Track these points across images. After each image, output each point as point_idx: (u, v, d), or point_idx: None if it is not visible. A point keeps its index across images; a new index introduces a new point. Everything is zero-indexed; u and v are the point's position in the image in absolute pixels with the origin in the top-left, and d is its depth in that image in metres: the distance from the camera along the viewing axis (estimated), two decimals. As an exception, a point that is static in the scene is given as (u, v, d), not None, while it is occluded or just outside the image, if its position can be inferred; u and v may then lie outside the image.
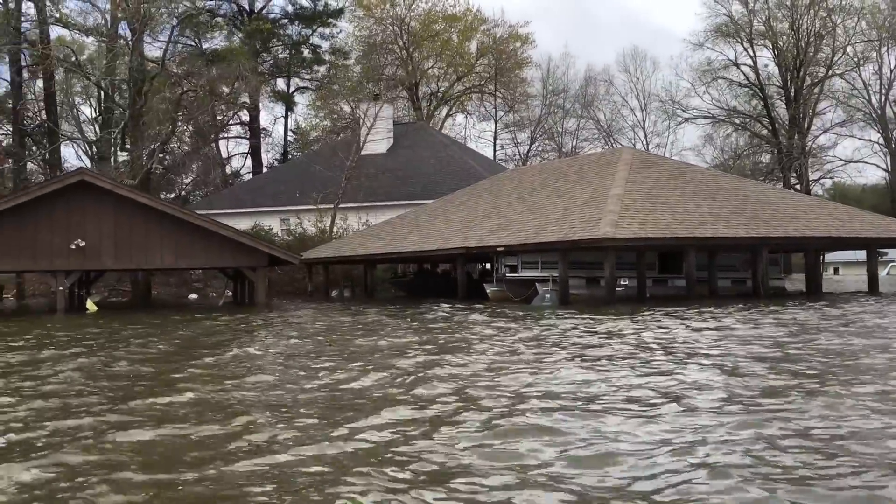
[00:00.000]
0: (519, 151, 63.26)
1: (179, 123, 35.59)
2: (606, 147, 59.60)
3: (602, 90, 64.06)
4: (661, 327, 12.64)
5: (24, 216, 22.26)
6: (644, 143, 62.91)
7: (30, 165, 42.61)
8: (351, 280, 34.86)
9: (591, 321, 14.20)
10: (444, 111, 61.13)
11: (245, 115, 54.65)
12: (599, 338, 11.31)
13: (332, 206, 38.28)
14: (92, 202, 22.83)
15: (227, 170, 53.67)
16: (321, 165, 40.42)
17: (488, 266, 31.93)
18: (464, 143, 55.48)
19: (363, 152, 40.39)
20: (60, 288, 22.69)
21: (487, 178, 33.80)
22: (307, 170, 43.15)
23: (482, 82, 59.50)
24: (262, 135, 55.56)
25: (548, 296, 21.29)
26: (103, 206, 22.96)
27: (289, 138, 58.24)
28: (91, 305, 23.60)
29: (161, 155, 34.19)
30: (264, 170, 53.69)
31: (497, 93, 59.47)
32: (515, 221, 24.21)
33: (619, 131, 64.13)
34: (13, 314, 23.80)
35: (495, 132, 61.75)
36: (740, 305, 17.47)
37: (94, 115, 45.41)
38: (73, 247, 22.60)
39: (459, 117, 64.49)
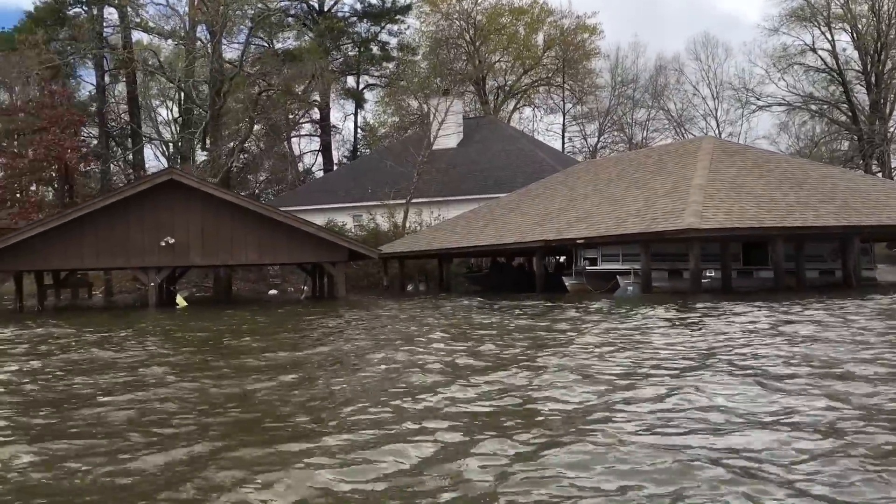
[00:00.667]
0: (587, 143, 62.68)
1: (255, 123, 36.33)
2: (677, 137, 58.58)
3: (672, 79, 62.94)
4: (812, 321, 11.77)
5: (116, 215, 23.08)
6: (716, 132, 61.55)
7: (112, 167, 44.11)
8: (425, 274, 35.10)
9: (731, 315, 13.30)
10: (511, 105, 60.96)
11: (316, 113, 55.55)
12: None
13: (404, 201, 38.59)
14: (180, 200, 23.53)
15: (299, 167, 54.58)
16: (392, 161, 40.75)
17: (562, 259, 31.79)
18: (533, 137, 55.20)
19: (434, 147, 40.60)
20: (152, 284, 23.46)
21: (561, 171, 33.59)
22: (378, 166, 43.56)
23: (549, 74, 59.11)
24: (332, 132, 56.34)
25: (630, 288, 21.07)
26: (191, 205, 23.63)
27: (358, 135, 58.90)
28: (181, 301, 24.33)
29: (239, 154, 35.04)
30: (335, 167, 54.46)
31: (565, 85, 58.99)
32: (594, 214, 24.02)
33: (690, 121, 62.95)
34: (110, 309, 24.70)
35: (563, 125, 61.33)
36: (854, 298, 16.60)
37: (173, 116, 46.76)
38: (163, 244, 23.34)
39: (527, 111, 64.23)
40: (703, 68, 62.70)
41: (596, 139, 62.14)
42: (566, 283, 24.28)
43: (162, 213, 23.45)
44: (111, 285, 35.28)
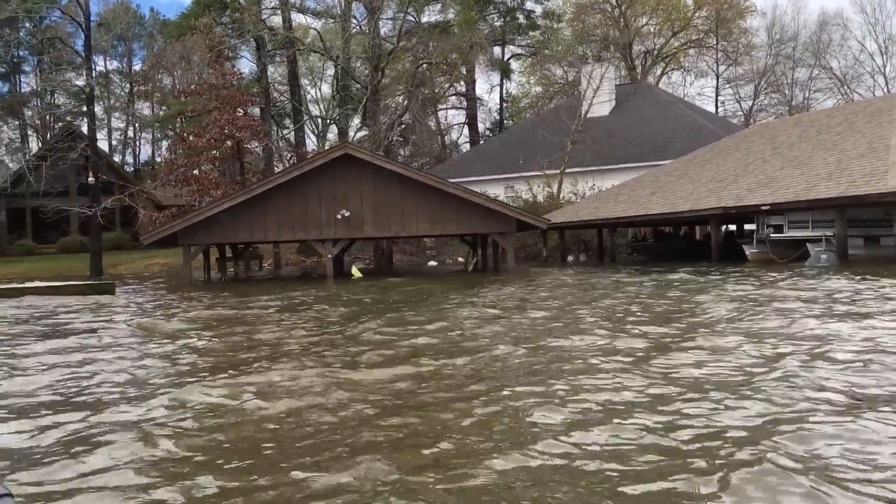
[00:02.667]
0: (742, 107, 59.73)
1: (410, 97, 36.77)
2: (842, 98, 54.81)
3: (836, 35, 58.80)
4: None
5: (296, 190, 23.96)
6: (885, 90, 57.13)
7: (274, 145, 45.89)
8: (584, 244, 34.61)
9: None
10: (659, 70, 58.87)
11: (461, 86, 55.66)
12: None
13: (558, 171, 38.13)
14: (353, 174, 24.13)
15: (446, 140, 54.99)
16: (545, 131, 40.29)
17: (732, 228, 30.46)
18: (690, 102, 53.06)
19: (587, 115, 39.81)
20: (329, 256, 24.27)
21: (730, 136, 32.14)
22: (528, 136, 43.22)
23: (700, 36, 56.58)
24: (478, 103, 56.33)
25: (823, 256, 19.85)
26: (363, 178, 24.20)
27: (504, 106, 58.64)
28: (356, 272, 25.06)
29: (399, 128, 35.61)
30: (481, 139, 54.49)
31: (717, 46, 56.34)
32: (777, 178, 22.78)
33: (856, 79, 58.67)
34: (295, 280, 25.74)
35: (717, 88, 58.69)
36: None
37: (331, 93, 48.08)
38: (339, 217, 24.05)
39: (675, 75, 61.85)
40: (870, 22, 58.41)
41: (751, 102, 59.10)
42: (746, 252, 23.22)
43: (337, 186, 24.15)
44: (279, 258, 36.85)
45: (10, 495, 1.89)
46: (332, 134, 41.53)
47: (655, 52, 57.38)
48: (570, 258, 32.73)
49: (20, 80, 62.44)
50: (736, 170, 25.58)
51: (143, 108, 66.29)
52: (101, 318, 12.48)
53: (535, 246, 34.80)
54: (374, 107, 34.37)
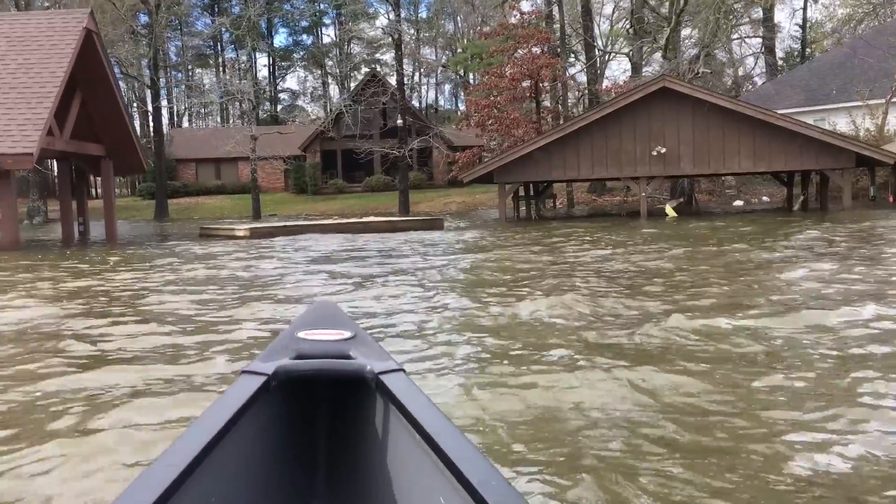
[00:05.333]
0: None
1: (716, 24, 34.35)
2: None
3: None
4: None
5: (609, 126, 23.48)
6: None
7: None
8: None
9: None
10: None
11: (757, 12, 51.34)
12: None
13: (882, 100, 33.95)
14: (671, 109, 23.14)
15: (739, 71, 51.31)
16: (866, 56, 35.96)
17: None
18: None
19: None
20: (643, 194, 23.65)
21: None
22: (843, 63, 38.90)
23: None
24: (775, 31, 51.71)
25: None
26: (681, 112, 23.12)
27: (805, 32, 53.36)
28: (670, 211, 24.23)
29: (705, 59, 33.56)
30: (780, 70, 50.09)
31: None
32: None
33: None
34: (601, 219, 25.55)
35: None
36: None
37: (610, 26, 46.72)
38: (654, 154, 23.26)
39: None
40: None
41: None
42: None
43: (653, 122, 23.32)
44: (572, 197, 36.83)
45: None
46: (611, 70, 40.27)
47: None
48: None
49: (321, 33, 67.75)
50: None
51: (428, 53, 69.07)
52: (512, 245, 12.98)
53: (857, 184, 31.43)
54: (674, 38, 32.66)
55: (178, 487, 1.38)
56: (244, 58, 65.46)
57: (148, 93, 48.09)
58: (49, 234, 26.58)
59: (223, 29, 49.50)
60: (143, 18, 46.00)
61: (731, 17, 48.18)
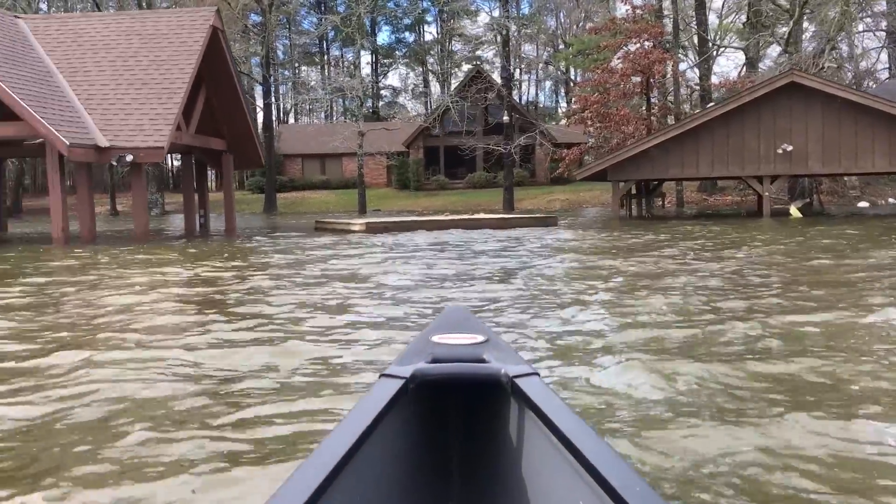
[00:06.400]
0: None
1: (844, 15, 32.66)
2: None
3: None
4: None
5: (732, 123, 22.59)
6: None
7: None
8: None
9: None
10: None
11: (880, 4, 48.62)
12: None
13: None
14: (799, 104, 22.06)
15: (861, 66, 48.65)
16: None
17: None
18: None
19: None
20: (766, 193, 22.65)
21: None
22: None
23: None
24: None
25: None
26: (810, 108, 22.02)
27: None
28: (794, 212, 23.14)
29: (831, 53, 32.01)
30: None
31: None
32: None
33: None
34: (717, 219, 24.65)
35: None
36: None
37: (719, 20, 45.14)
38: (780, 151, 22.24)
39: None
40: None
41: None
42: None
43: (779, 118, 22.29)
44: (682, 196, 35.76)
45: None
46: (718, 66, 38.72)
47: None
48: None
49: (423, 30, 68.15)
50: None
51: (528, 49, 68.50)
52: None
53: None
54: (796, 31, 31.21)
55: (328, 485, 1.43)
56: (349, 56, 66.56)
57: (258, 90, 49.45)
58: (169, 226, 27.56)
59: (329, 27, 50.37)
60: (254, 18, 47.28)
61: (856, 7, 45.88)
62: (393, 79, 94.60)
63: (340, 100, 58.81)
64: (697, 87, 38.25)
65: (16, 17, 21.06)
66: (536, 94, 69.97)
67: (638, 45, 32.10)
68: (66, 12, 44.49)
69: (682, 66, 43.04)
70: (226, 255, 13.48)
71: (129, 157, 17.04)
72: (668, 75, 33.42)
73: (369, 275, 9.23)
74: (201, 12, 20.41)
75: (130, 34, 19.79)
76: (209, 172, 28.97)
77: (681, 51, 45.79)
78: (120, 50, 19.41)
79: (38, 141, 16.28)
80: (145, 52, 19.29)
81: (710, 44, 38.06)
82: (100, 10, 39.17)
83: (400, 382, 1.83)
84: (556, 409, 1.70)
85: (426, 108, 63.42)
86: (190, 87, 18.65)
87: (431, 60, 66.69)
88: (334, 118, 66.49)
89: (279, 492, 1.38)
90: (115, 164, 17.31)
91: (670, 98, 37.28)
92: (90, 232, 17.47)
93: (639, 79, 32.60)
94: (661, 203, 35.04)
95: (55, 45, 19.55)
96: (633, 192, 26.61)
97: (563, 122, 57.19)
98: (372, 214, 33.73)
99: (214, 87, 20.92)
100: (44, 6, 45.38)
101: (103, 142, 17.10)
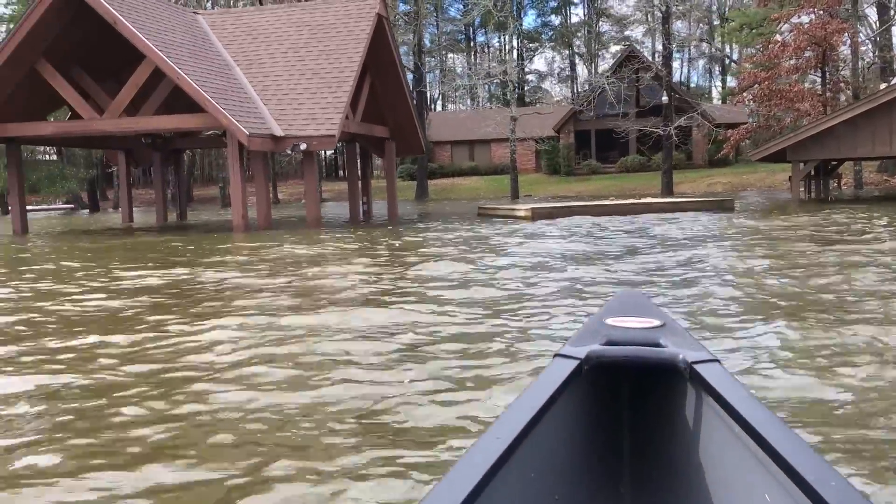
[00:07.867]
0: None
1: None
2: None
3: None
4: None
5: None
6: None
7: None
8: None
9: None
10: None
11: None
12: None
13: None
14: None
15: None
16: None
17: None
18: None
19: None
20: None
21: None
22: None
23: None
24: None
25: None
26: None
27: None
28: None
29: None
30: None
31: None
32: None
33: None
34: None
35: None
36: None
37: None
38: None
39: None
40: None
41: None
42: None
43: None
44: (860, 177, 33.16)
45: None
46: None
47: None
48: None
49: (569, 12, 66.75)
50: None
51: (680, 27, 65.72)
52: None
53: None
54: None
55: (506, 460, 1.46)
56: (495, 41, 66.24)
57: (409, 78, 49.92)
58: (330, 213, 28.22)
59: (477, 15, 50.15)
60: (402, 7, 47.75)
61: None
62: (539, 63, 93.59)
63: (487, 86, 58.61)
64: (878, 60, 35.21)
65: (195, 13, 22.03)
66: (688, 74, 67.06)
67: (813, 15, 29.82)
68: (232, 7, 46.61)
69: (861, 37, 39.82)
70: (421, 239, 13.44)
71: (303, 146, 17.40)
72: (848, 45, 30.84)
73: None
74: (367, 1, 20.55)
75: (300, 25, 20.23)
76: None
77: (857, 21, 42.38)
78: (291, 41, 19.88)
79: (212, 132, 16.87)
80: (315, 42, 19.65)
81: (893, 11, 34.87)
82: (261, 3, 40.61)
83: (574, 363, 1.83)
84: (739, 397, 1.63)
85: (572, 92, 62.16)
86: (358, 75, 18.83)
87: (578, 43, 65.26)
88: (479, 104, 66.41)
89: (459, 464, 1.40)
90: (290, 152, 17.72)
91: (844, 73, 34.48)
92: (266, 219, 18.00)
93: (812, 53, 30.29)
94: (836, 184, 32.65)
95: (231, 38, 20.27)
96: (811, 173, 24.78)
97: (717, 101, 54.48)
98: (526, 200, 33.28)
99: (379, 74, 21.07)
100: (209, 3, 47.65)
101: (279, 131, 17.55)
